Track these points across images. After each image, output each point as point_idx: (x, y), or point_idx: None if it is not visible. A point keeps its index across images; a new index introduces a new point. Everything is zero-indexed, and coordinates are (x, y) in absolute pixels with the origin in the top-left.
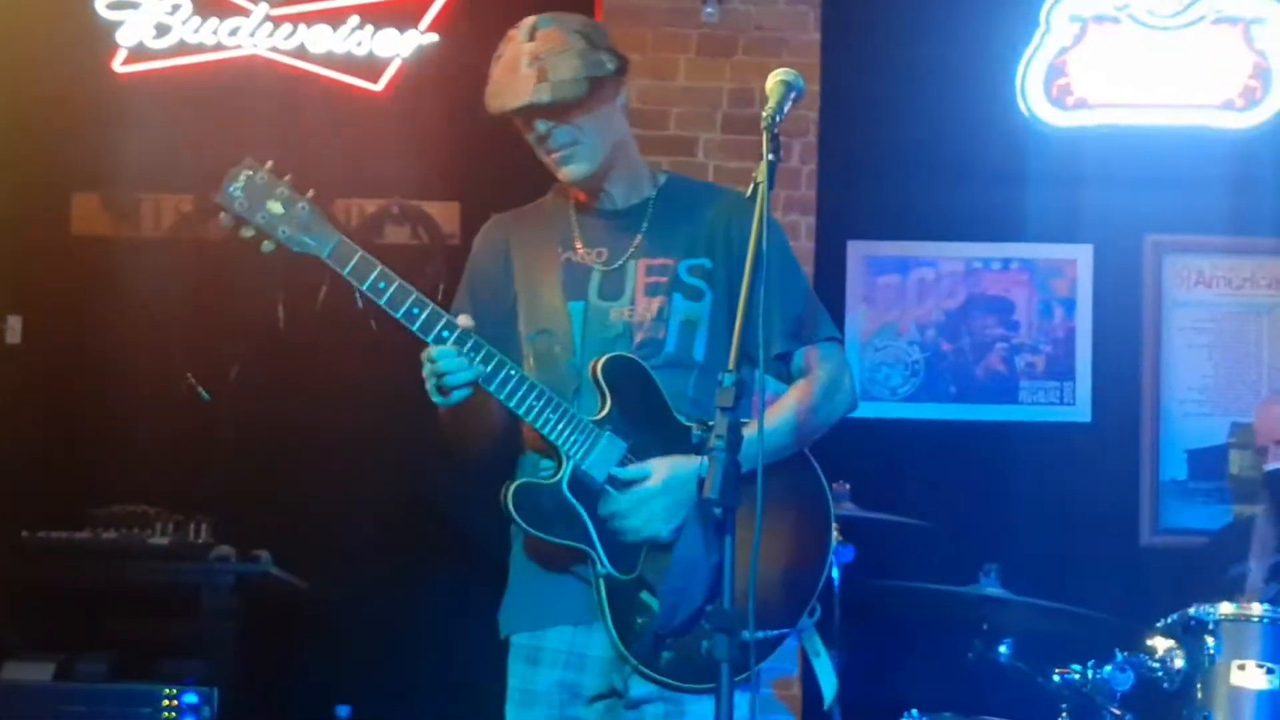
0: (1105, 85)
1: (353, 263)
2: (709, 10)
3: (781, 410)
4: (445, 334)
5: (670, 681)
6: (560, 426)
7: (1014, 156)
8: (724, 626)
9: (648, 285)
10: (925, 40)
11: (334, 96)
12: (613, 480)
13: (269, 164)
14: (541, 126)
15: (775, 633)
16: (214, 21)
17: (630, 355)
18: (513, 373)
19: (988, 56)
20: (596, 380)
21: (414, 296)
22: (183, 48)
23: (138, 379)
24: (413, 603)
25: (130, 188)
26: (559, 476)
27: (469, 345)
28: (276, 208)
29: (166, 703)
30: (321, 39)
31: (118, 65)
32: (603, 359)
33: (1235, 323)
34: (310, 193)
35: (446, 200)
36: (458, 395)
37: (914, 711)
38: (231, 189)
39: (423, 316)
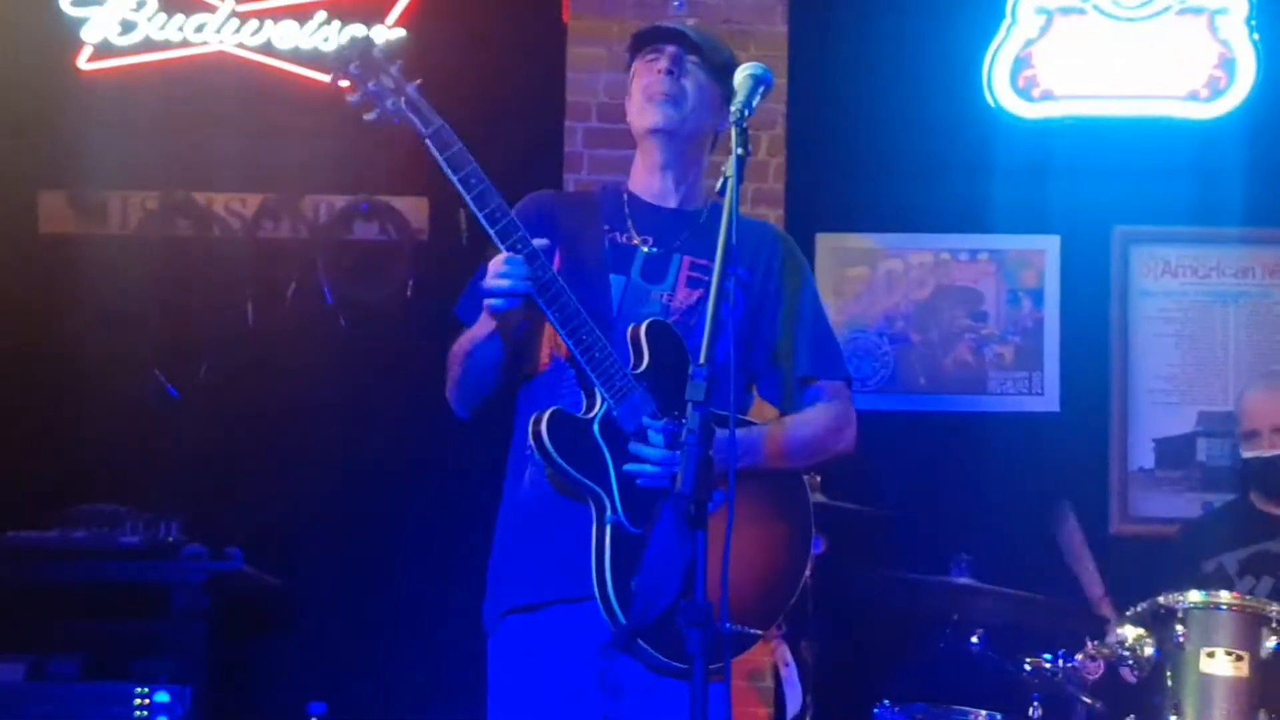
0: (1071, 76)
1: (452, 150)
2: (676, 3)
3: (805, 422)
4: (519, 246)
5: (652, 653)
6: (604, 367)
7: (981, 148)
8: (697, 621)
9: (689, 278)
10: (892, 33)
11: (301, 92)
12: (640, 433)
13: (386, 43)
14: (670, 64)
15: (746, 630)
16: (180, 18)
17: (671, 325)
18: (571, 300)
19: (954, 49)
20: (638, 340)
21: (499, 200)
22: (148, 44)
23: (106, 377)
24: (385, 599)
25: (97, 185)
26: (594, 414)
27: (538, 264)
28: (389, 81)
29: (139, 702)
30: (288, 35)
31: (83, 62)
32: (647, 321)
33: (1202, 312)
34: (419, 80)
35: (415, 195)
36: (510, 303)
37: (886, 702)
38: (348, 53)
39: (504, 221)
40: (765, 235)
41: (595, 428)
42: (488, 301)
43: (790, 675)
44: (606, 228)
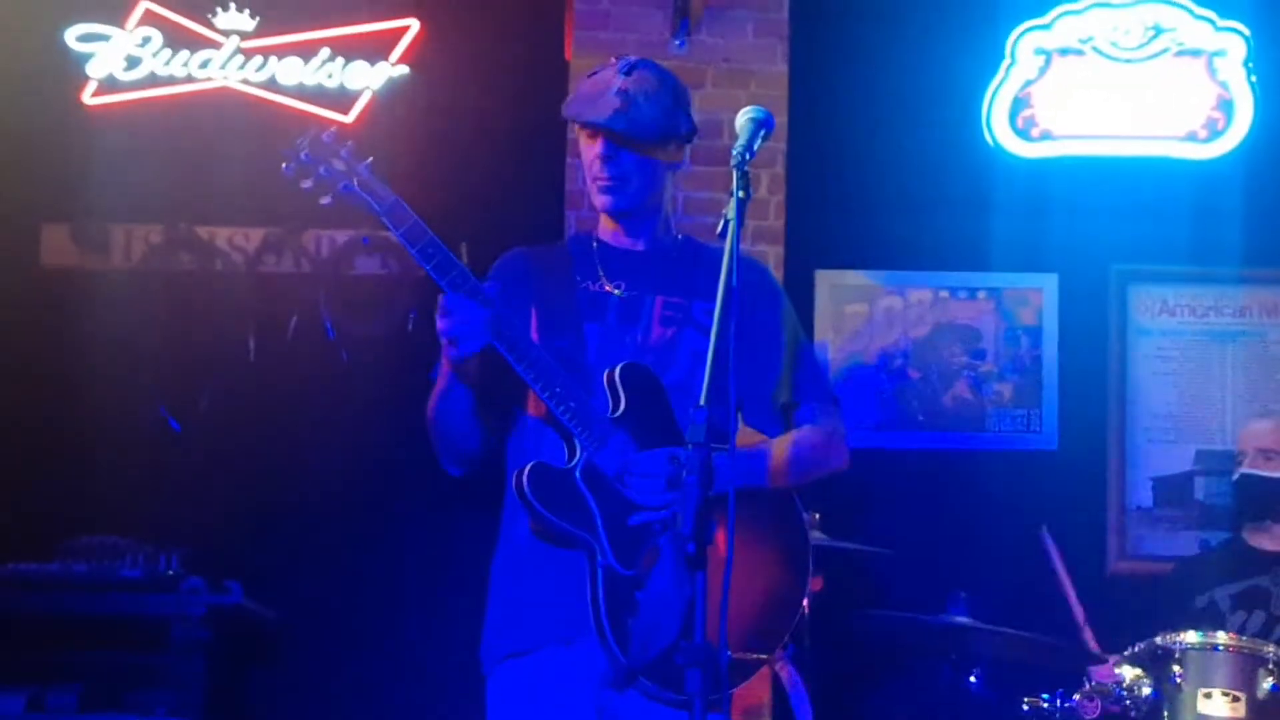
0: (1070, 116)
1: (407, 225)
2: (677, 43)
3: (798, 441)
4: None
5: (651, 686)
6: (579, 415)
7: (980, 187)
8: (697, 661)
9: (663, 316)
10: (892, 72)
11: (304, 128)
12: (621, 477)
13: (334, 128)
14: (603, 149)
15: (749, 656)
16: (185, 54)
17: (646, 366)
18: (540, 354)
19: (954, 88)
20: (613, 384)
21: (461, 268)
22: (153, 80)
23: (108, 410)
24: (383, 633)
25: (100, 219)
26: (574, 463)
27: (496, 314)
28: (339, 165)
29: None
30: (292, 71)
31: (88, 97)
32: (620, 365)
33: (1199, 351)
34: (370, 158)
35: None
36: (466, 349)
37: None
38: (299, 141)
39: (467, 286)
40: (736, 268)
41: (577, 476)
42: (445, 348)
43: (798, 696)
44: (579, 279)
